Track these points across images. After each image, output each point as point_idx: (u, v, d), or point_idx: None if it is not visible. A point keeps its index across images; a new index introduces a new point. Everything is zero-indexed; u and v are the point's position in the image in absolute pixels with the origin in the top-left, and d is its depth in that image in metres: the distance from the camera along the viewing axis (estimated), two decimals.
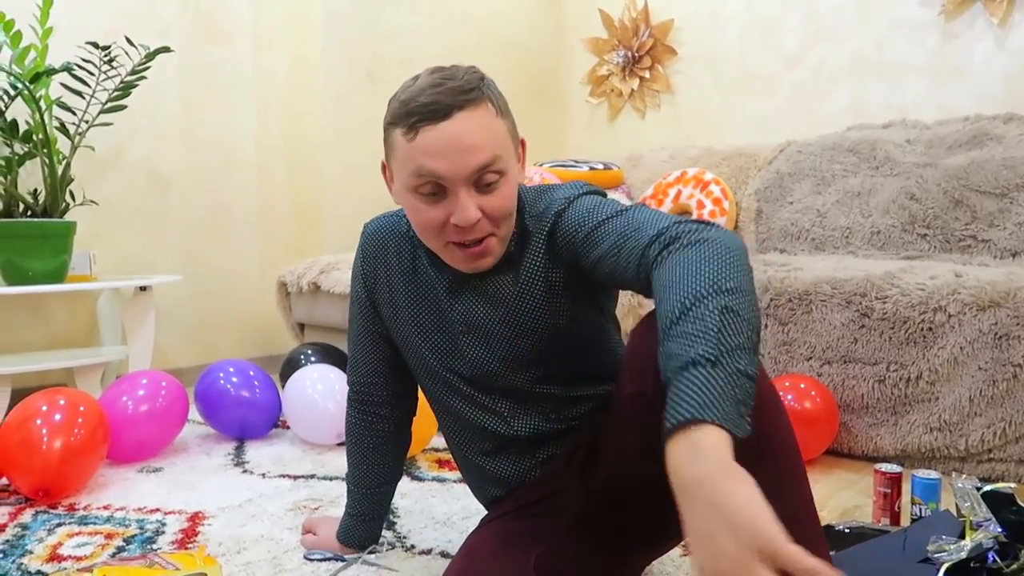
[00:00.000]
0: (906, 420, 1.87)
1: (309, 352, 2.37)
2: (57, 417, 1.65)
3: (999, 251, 2.27)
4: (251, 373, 2.13)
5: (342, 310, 2.43)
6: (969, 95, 2.76)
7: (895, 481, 1.47)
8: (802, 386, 1.90)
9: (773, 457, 0.83)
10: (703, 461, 0.64)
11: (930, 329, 1.82)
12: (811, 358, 2.02)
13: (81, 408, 1.70)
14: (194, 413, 2.23)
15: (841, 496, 1.70)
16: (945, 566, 1.03)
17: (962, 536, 1.12)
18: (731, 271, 0.76)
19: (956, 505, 1.25)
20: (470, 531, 1.16)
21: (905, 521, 1.47)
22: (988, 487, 1.12)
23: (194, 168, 2.88)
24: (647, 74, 3.63)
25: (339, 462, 1.88)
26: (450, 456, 1.84)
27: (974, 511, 1.22)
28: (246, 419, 2.09)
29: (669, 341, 0.73)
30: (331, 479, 1.77)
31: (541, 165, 3.27)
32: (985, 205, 2.32)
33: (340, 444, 2.02)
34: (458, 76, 0.94)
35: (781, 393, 1.84)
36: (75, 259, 2.42)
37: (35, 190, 2.30)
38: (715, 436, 0.65)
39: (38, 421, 1.64)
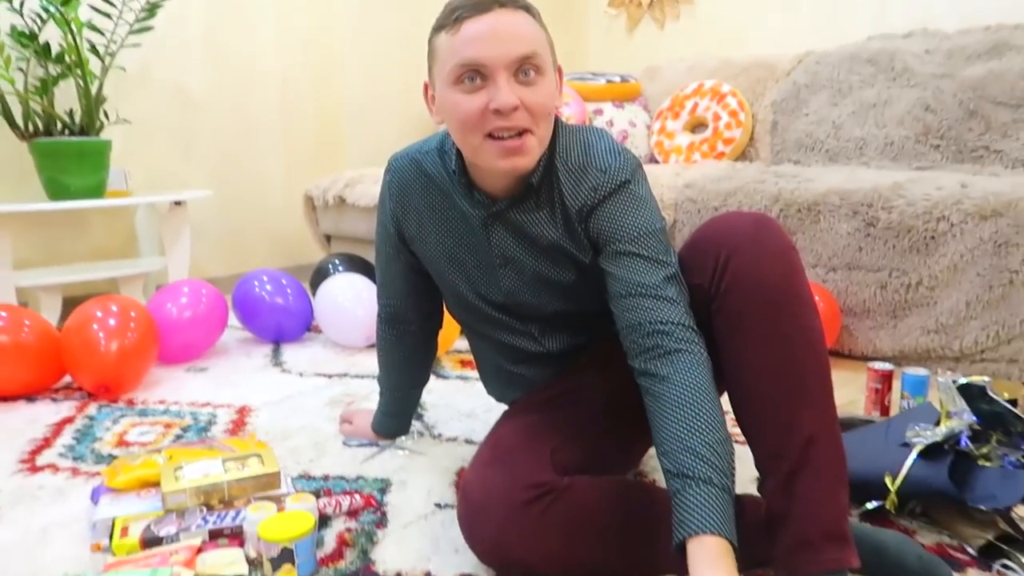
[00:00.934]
0: (905, 323, 1.97)
1: (337, 262, 2.49)
2: (112, 322, 1.79)
3: (1011, 161, 2.31)
4: (283, 281, 2.26)
5: (367, 222, 2.54)
6: (993, 2, 2.72)
7: (886, 378, 1.58)
8: None
9: (810, 352, 0.96)
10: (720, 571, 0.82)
11: (932, 238, 1.89)
12: (817, 265, 2.10)
13: (132, 313, 1.84)
14: (232, 320, 2.38)
15: (838, 393, 1.79)
16: (918, 447, 1.15)
17: (938, 424, 1.23)
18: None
19: (939, 399, 1.37)
20: (492, 422, 1.28)
21: (896, 409, 1.59)
22: (963, 380, 1.22)
23: (220, 86, 2.94)
24: None
25: (369, 363, 2.03)
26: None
27: (952, 402, 1.33)
28: (281, 324, 2.23)
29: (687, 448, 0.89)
30: (363, 377, 1.91)
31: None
32: (1000, 116, 2.34)
33: (370, 347, 2.16)
34: None
35: None
36: (111, 175, 2.52)
37: (71, 110, 2.39)
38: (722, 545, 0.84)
39: (95, 326, 1.78)
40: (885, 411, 1.58)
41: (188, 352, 2.07)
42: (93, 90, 2.36)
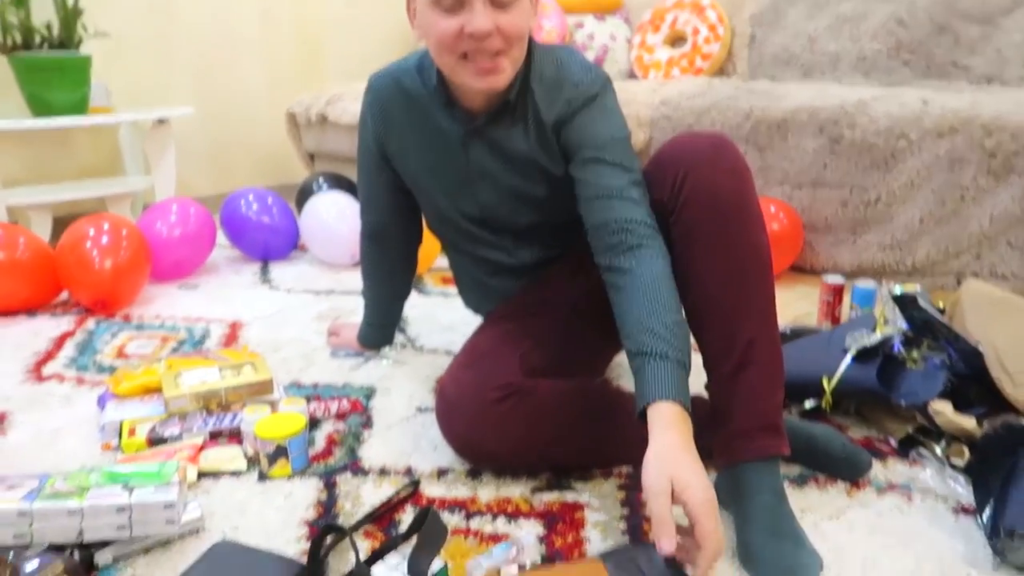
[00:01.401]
0: (863, 240, 2.07)
1: (321, 180, 2.55)
2: (104, 240, 1.86)
3: (976, 77, 2.36)
4: (269, 200, 2.33)
5: (350, 140, 2.58)
6: None
7: (837, 291, 1.69)
8: (772, 209, 2.09)
9: (756, 263, 1.04)
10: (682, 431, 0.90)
11: (892, 155, 1.97)
12: (784, 183, 2.19)
13: (123, 231, 1.91)
14: (221, 239, 2.45)
15: (796, 305, 1.93)
16: (853, 351, 1.26)
17: (874, 330, 1.35)
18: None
19: (881, 310, 1.48)
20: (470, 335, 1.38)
21: (845, 319, 1.70)
22: (898, 289, 1.33)
23: None
24: None
25: (355, 280, 2.11)
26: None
27: (892, 313, 1.45)
28: (268, 242, 2.31)
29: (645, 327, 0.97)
30: (349, 294, 2.01)
31: None
32: (969, 31, 2.38)
33: (355, 265, 2.24)
34: None
35: None
36: (93, 90, 2.54)
37: (48, 23, 2.38)
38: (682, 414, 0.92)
39: (88, 244, 1.85)
40: (836, 321, 1.69)
41: (179, 269, 2.16)
42: (70, 2, 2.35)
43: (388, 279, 1.50)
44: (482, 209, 1.25)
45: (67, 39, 2.35)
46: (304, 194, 2.57)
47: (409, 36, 3.46)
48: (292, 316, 1.85)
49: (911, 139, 1.94)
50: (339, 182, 2.56)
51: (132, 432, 1.21)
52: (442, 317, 1.81)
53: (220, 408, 1.29)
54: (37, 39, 2.34)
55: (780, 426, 1.03)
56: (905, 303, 1.30)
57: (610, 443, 1.13)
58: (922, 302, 1.29)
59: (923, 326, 1.30)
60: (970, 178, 1.87)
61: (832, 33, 2.64)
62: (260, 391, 1.33)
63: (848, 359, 1.26)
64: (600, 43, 3.09)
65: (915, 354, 1.26)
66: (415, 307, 1.88)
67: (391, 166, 1.31)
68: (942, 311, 1.37)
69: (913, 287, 1.34)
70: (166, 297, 2.01)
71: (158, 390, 1.33)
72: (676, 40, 3.02)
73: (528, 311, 1.28)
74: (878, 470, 1.14)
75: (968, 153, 1.86)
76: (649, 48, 3.03)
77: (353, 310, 1.87)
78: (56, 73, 2.33)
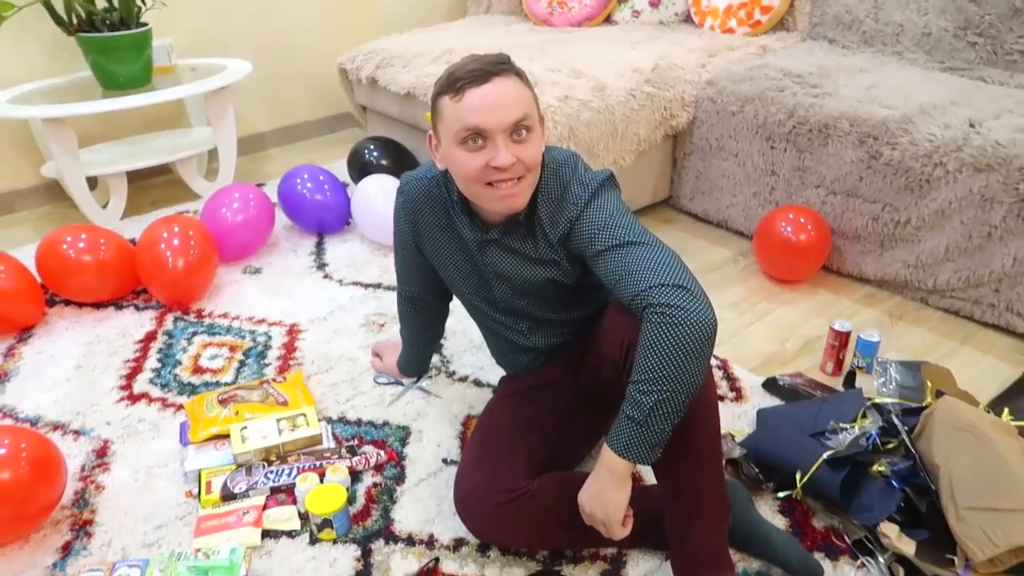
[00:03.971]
0: (889, 254, 2.12)
1: (372, 147, 2.65)
2: (176, 242, 2.07)
3: None
4: (321, 178, 2.47)
5: (399, 105, 2.64)
6: None
7: (843, 337, 1.79)
8: (802, 220, 2.13)
9: (704, 423, 1.18)
10: (614, 477, 1.09)
11: (928, 181, 1.97)
12: (819, 186, 2.21)
13: (191, 232, 2.11)
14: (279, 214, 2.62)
15: (809, 324, 2.04)
16: (827, 455, 1.41)
17: (856, 420, 1.49)
18: (681, 368, 1.05)
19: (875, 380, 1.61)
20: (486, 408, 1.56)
21: (847, 365, 1.82)
22: (895, 362, 1.44)
23: None
24: None
25: None
26: None
27: (884, 384, 1.57)
28: (322, 218, 2.48)
29: (630, 387, 1.09)
30: (392, 289, 2.19)
31: None
32: None
33: None
34: (492, 56, 1.16)
35: (783, 224, 2.12)
36: (155, 52, 2.64)
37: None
38: (625, 466, 1.10)
39: (162, 245, 2.06)
40: (839, 365, 1.81)
41: (244, 251, 2.36)
42: None
43: (422, 331, 1.69)
44: (498, 302, 1.41)
45: (127, 16, 2.43)
46: (356, 157, 2.69)
47: None
48: (343, 320, 2.06)
49: (948, 169, 1.93)
50: (389, 149, 2.66)
51: (209, 487, 1.48)
52: (474, 333, 1.98)
53: (278, 460, 1.54)
54: (98, 20, 2.43)
55: (726, 559, 1.23)
56: (883, 411, 1.43)
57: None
58: (895, 418, 1.41)
59: (895, 431, 1.43)
60: (1000, 218, 1.88)
61: (899, 1, 2.50)
62: (311, 442, 1.58)
63: (820, 461, 1.41)
64: None
65: (882, 463, 1.40)
66: (452, 313, 2.05)
67: (423, 254, 1.47)
68: (923, 408, 1.48)
69: (915, 361, 1.45)
70: (232, 285, 2.24)
71: (227, 436, 1.59)
72: None
73: (538, 392, 1.47)
74: (829, 572, 1.33)
75: (1001, 194, 1.86)
76: None
77: (395, 316, 2.06)
78: (119, 51, 2.44)
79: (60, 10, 2.43)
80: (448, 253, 1.41)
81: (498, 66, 1.15)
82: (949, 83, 2.25)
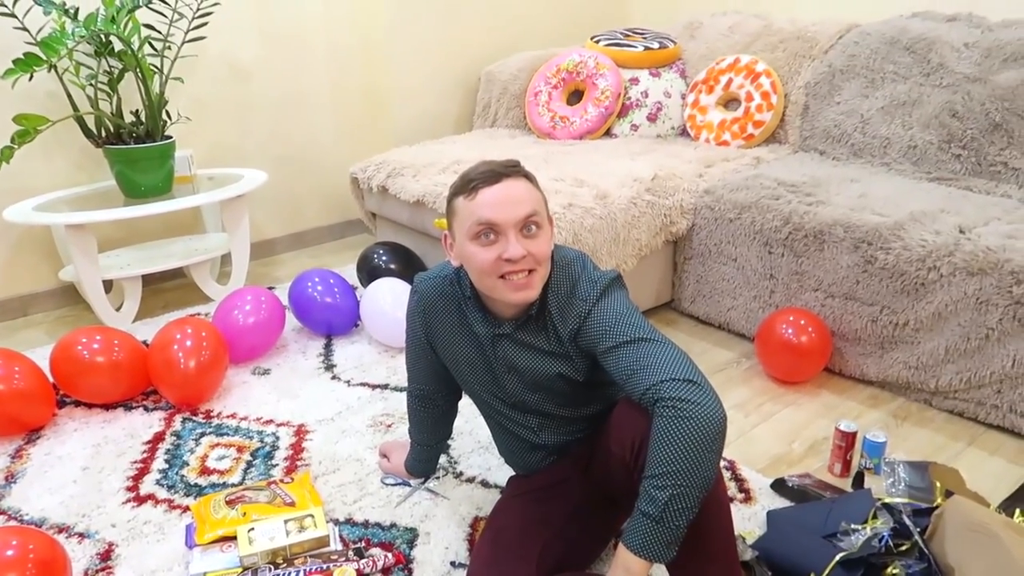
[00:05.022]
0: (890, 356, 2.15)
1: (381, 252, 2.73)
2: (188, 343, 2.11)
3: None
4: (331, 281, 2.53)
5: (408, 211, 2.74)
6: None
7: (850, 438, 1.80)
8: (802, 322, 2.18)
9: (716, 520, 1.20)
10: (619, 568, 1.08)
11: (923, 284, 2.03)
12: (818, 290, 2.27)
13: (203, 333, 2.15)
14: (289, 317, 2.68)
15: (815, 425, 2.05)
16: (840, 556, 1.40)
17: (867, 521, 1.48)
18: (695, 461, 1.07)
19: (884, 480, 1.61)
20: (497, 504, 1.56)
21: (855, 465, 1.82)
22: (903, 463, 1.45)
23: (270, 59, 3.08)
24: None
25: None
26: None
27: (893, 485, 1.57)
28: (331, 320, 2.52)
29: (644, 482, 1.10)
30: (400, 390, 2.22)
31: (597, 42, 3.31)
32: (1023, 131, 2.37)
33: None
34: (504, 160, 1.26)
35: (783, 326, 2.16)
36: (176, 163, 2.76)
37: (136, 111, 2.60)
38: (642, 565, 1.09)
39: (175, 347, 2.10)
40: (847, 465, 1.81)
41: (254, 352, 2.40)
42: (155, 94, 2.56)
43: (431, 428, 1.70)
44: (509, 396, 1.43)
45: (153, 129, 2.56)
46: (365, 261, 2.77)
47: (467, 89, 3.58)
48: (351, 420, 2.07)
49: (941, 272, 1.99)
50: (398, 253, 2.74)
51: None
52: (481, 433, 1.99)
53: (285, 563, 1.52)
54: (126, 133, 2.56)
55: None
56: (894, 512, 1.43)
57: None
58: (907, 518, 1.41)
59: (907, 532, 1.43)
60: (996, 320, 1.92)
61: (885, 116, 2.64)
62: (318, 544, 1.57)
63: (833, 563, 1.39)
64: (654, 100, 3.14)
65: (896, 566, 1.39)
66: (460, 413, 2.07)
67: (435, 352, 1.50)
68: (934, 508, 1.48)
69: (924, 461, 1.45)
70: (241, 386, 2.26)
71: (234, 538, 1.57)
72: (729, 101, 3.04)
73: (548, 492, 1.47)
74: None
75: (995, 297, 1.91)
76: (703, 108, 3.06)
77: (404, 415, 2.08)
78: (143, 162, 2.56)
79: (90, 123, 2.56)
80: (460, 349, 1.45)
81: (509, 168, 1.25)
82: (937, 192, 2.35)
